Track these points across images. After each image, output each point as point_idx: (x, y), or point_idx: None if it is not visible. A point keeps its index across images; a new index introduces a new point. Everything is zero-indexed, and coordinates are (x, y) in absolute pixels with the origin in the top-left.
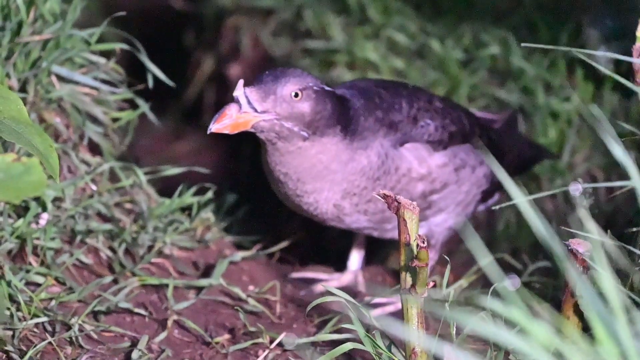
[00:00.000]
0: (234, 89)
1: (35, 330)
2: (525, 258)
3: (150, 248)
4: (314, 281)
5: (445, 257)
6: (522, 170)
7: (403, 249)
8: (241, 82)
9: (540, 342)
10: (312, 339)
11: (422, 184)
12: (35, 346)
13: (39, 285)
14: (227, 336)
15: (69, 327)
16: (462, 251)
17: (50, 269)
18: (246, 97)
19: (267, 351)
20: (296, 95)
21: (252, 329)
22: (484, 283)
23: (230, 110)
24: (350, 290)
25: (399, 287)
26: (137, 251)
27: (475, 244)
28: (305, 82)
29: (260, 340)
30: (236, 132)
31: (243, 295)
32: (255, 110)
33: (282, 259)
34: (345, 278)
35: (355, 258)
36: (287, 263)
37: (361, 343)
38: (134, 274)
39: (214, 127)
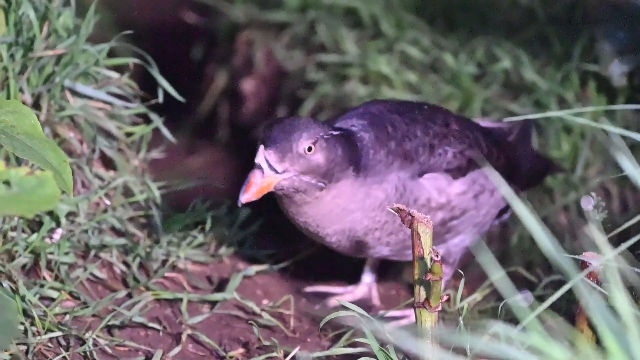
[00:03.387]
0: (256, 156)
1: (49, 345)
2: (539, 271)
3: (164, 262)
4: (328, 295)
5: (459, 270)
6: (533, 183)
7: (417, 263)
8: (261, 148)
9: None
10: (326, 353)
11: (441, 212)
12: None
13: (53, 299)
14: (241, 350)
15: (83, 342)
16: (476, 264)
17: (64, 284)
18: (266, 160)
19: None
20: (310, 149)
21: (266, 343)
22: (498, 296)
23: (255, 177)
24: (365, 303)
25: (412, 300)
26: (151, 265)
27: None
28: (316, 133)
29: (274, 354)
30: (262, 195)
31: (257, 309)
32: (276, 171)
33: (296, 273)
34: (359, 291)
35: (369, 271)
36: (301, 277)
37: (375, 357)
38: (147, 289)
39: (244, 197)
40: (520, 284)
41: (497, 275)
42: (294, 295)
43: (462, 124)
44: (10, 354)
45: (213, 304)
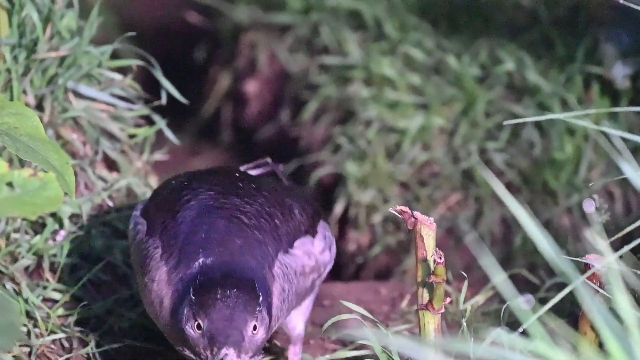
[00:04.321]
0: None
1: (52, 346)
2: (542, 274)
3: None
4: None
5: (463, 272)
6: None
7: (420, 265)
8: (225, 355)
9: None
10: (328, 357)
11: (312, 274)
12: None
13: (56, 301)
14: None
15: (86, 344)
16: (479, 266)
17: (68, 286)
18: None
19: None
20: (254, 327)
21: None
22: (501, 299)
23: None
24: (367, 306)
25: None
26: None
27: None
28: (253, 309)
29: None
30: None
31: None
32: None
33: None
34: None
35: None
36: None
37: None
38: None
39: None
40: (524, 286)
41: (499, 277)
42: None
43: (277, 184)
44: (13, 356)
45: None
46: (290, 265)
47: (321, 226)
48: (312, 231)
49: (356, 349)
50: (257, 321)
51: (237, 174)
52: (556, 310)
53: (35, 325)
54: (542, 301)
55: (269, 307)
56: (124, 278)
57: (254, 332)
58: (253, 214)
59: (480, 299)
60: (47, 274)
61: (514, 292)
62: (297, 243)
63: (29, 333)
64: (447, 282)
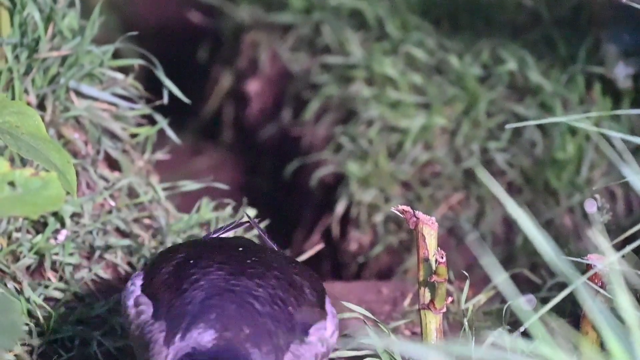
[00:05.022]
0: None
1: (54, 345)
2: (544, 273)
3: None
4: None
5: (464, 272)
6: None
7: (422, 265)
8: None
9: None
10: (330, 355)
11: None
12: None
13: (57, 300)
14: None
15: (88, 343)
16: (481, 266)
17: (69, 285)
18: None
19: None
20: None
21: None
22: (502, 298)
23: None
24: (368, 305)
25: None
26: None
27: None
28: None
29: None
30: None
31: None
32: None
33: None
34: None
35: None
36: None
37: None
38: None
39: None
40: (525, 285)
41: (501, 277)
42: None
43: (271, 253)
44: (15, 355)
45: None
46: (304, 355)
47: (328, 304)
48: (323, 312)
49: (357, 349)
50: None
51: (240, 248)
52: (558, 310)
53: (37, 324)
54: (544, 301)
55: None
56: (125, 277)
57: None
58: (266, 299)
59: (481, 298)
60: (49, 273)
61: (516, 292)
62: (312, 330)
63: (30, 332)
64: (449, 281)
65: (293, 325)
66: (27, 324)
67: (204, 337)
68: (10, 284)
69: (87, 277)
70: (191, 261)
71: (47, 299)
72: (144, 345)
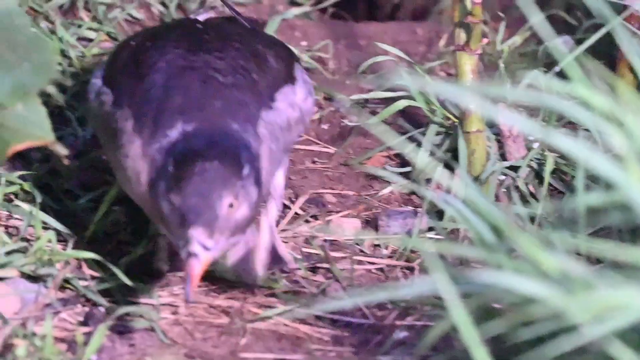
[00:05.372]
0: (190, 247)
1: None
2: (579, 15)
3: (202, 2)
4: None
5: (500, 13)
6: None
7: (457, 5)
8: (191, 233)
9: (601, 113)
10: (364, 96)
11: (298, 127)
12: None
13: (90, 40)
14: None
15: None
16: (517, 6)
17: (102, 24)
18: (199, 243)
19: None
20: (231, 205)
21: None
22: (538, 40)
23: (194, 269)
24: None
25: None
26: (188, 6)
27: (526, 1)
28: (232, 183)
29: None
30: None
31: (296, 52)
32: (207, 248)
33: (335, 14)
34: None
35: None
36: (340, 18)
37: (414, 100)
38: None
39: (192, 295)
40: (562, 26)
41: (537, 18)
42: (332, 40)
43: (230, 26)
44: (48, 94)
45: None
46: (275, 121)
47: (298, 70)
48: (291, 78)
49: (392, 90)
50: (236, 197)
51: (199, 25)
52: (594, 51)
53: (70, 65)
54: (580, 42)
55: (257, 175)
56: (158, 17)
57: (231, 209)
58: (228, 70)
59: (517, 40)
60: (82, 13)
61: (552, 32)
62: (278, 95)
63: (63, 72)
64: (485, 22)
65: (260, 92)
66: (60, 64)
67: (185, 127)
68: (44, 24)
69: (120, 16)
70: (147, 44)
71: (80, 39)
72: (112, 138)
